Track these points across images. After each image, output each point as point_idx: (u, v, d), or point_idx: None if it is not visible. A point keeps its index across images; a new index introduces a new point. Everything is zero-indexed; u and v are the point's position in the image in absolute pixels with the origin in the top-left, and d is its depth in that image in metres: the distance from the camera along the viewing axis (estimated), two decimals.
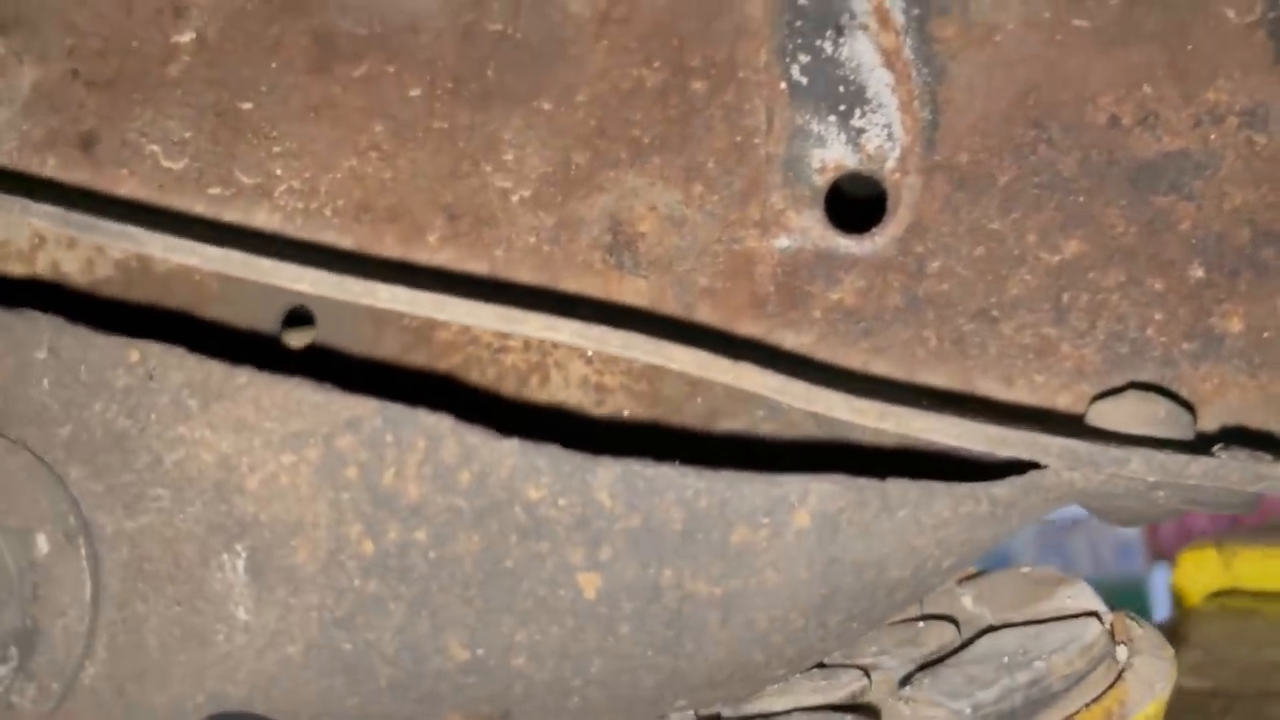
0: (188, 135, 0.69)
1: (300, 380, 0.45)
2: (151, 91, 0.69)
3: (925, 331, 0.65)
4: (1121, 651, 0.47)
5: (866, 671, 0.46)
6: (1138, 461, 0.46)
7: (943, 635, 0.50)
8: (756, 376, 0.46)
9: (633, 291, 0.67)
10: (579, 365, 0.71)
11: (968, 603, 0.53)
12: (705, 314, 0.67)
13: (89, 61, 0.70)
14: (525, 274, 0.68)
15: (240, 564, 0.45)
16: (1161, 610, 1.16)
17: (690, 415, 0.70)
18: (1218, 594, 1.11)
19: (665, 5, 0.67)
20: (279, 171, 0.69)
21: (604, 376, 0.71)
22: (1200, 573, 1.13)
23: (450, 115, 0.68)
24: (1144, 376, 0.63)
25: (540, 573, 0.43)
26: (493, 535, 0.43)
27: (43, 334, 0.46)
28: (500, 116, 0.68)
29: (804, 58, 0.66)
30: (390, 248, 0.68)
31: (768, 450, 0.67)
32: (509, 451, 0.43)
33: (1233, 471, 0.46)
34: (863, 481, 0.44)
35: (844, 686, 0.45)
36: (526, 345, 0.72)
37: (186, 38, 0.69)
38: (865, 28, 0.65)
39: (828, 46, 0.65)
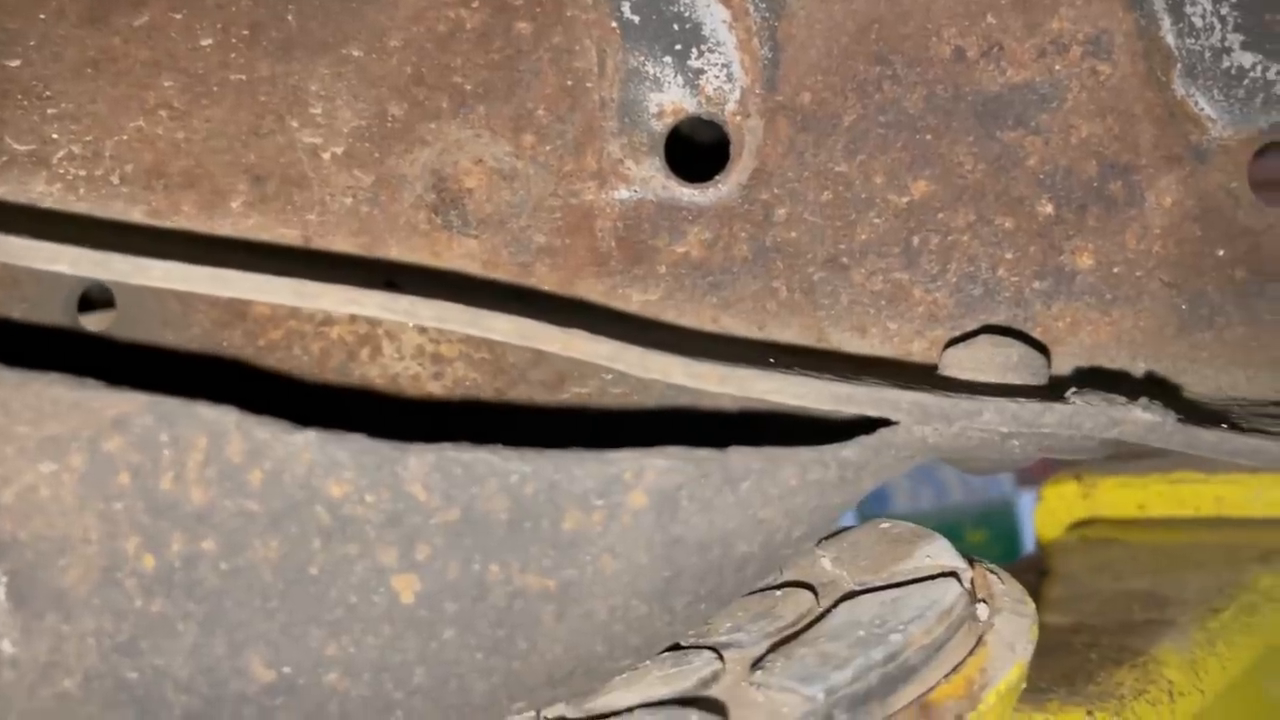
0: None
1: (54, 376, 0.39)
2: None
3: (775, 282, 0.62)
4: (982, 610, 0.45)
5: (719, 653, 0.43)
6: (990, 413, 0.44)
7: (800, 604, 0.47)
8: (586, 344, 0.42)
9: (463, 253, 0.62)
10: (413, 335, 0.66)
11: (827, 564, 0.51)
12: (543, 274, 0.62)
13: None
14: (343, 239, 0.62)
15: (0, 590, 0.39)
16: (1030, 533, 1.17)
17: (535, 382, 0.66)
18: (1079, 524, 1.12)
19: None
20: (56, 135, 0.61)
21: (441, 346, 0.67)
22: (1062, 504, 1.14)
23: (248, 67, 0.61)
24: (997, 318, 0.61)
25: (349, 578, 0.38)
26: (293, 540, 0.38)
27: None
28: (305, 66, 0.61)
29: None
30: (189, 217, 0.61)
31: (618, 418, 0.64)
32: (305, 445, 0.38)
33: (1087, 418, 0.44)
34: (702, 453, 0.40)
35: (695, 672, 0.42)
36: (354, 316, 0.67)
37: None
38: None
39: None
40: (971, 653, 0.42)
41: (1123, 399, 0.45)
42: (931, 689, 0.40)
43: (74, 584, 0.39)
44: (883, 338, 0.61)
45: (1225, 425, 0.49)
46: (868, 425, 0.44)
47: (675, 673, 0.42)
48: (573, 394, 0.64)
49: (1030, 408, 0.44)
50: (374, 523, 0.39)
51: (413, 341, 0.66)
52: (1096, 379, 0.57)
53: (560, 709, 0.42)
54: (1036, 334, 0.61)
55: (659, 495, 0.39)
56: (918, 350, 0.61)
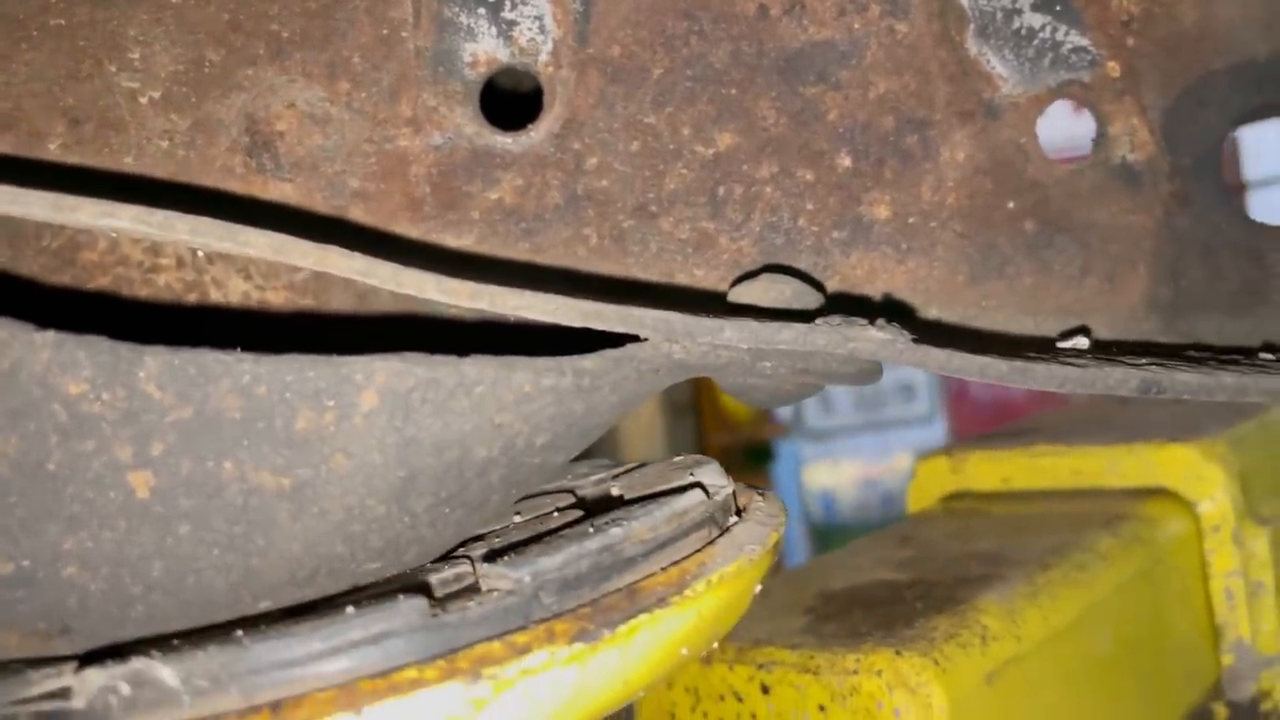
0: None
1: None
2: None
3: (586, 230, 0.64)
4: (732, 521, 0.47)
5: (469, 559, 0.45)
6: (731, 330, 0.46)
7: (568, 518, 0.48)
8: (340, 259, 0.44)
9: (278, 196, 0.64)
10: (239, 281, 0.68)
11: (615, 490, 0.53)
12: (359, 217, 0.64)
13: None
14: (159, 178, 0.63)
15: None
16: None
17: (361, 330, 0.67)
18: (949, 497, 1.15)
19: None
20: None
21: (266, 292, 0.68)
22: (932, 478, 1.17)
23: (68, 12, 0.62)
24: (799, 266, 0.64)
25: (86, 474, 0.40)
26: (30, 436, 0.39)
27: None
28: (123, 12, 0.62)
29: None
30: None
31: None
32: (44, 344, 0.39)
33: (821, 335, 0.46)
34: (436, 359, 0.42)
35: (447, 573, 0.43)
36: (180, 263, 0.68)
37: None
38: None
39: None
40: (696, 552, 0.44)
41: (862, 320, 0.47)
42: (644, 578, 0.42)
43: None
44: (689, 284, 0.63)
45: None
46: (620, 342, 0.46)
47: (437, 575, 0.44)
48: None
49: (769, 326, 0.46)
50: (110, 420, 0.40)
51: (239, 288, 0.67)
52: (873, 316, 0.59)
53: None
54: (834, 282, 0.63)
55: (391, 396, 0.41)
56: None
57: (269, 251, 0.44)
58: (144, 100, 0.63)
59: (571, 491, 0.56)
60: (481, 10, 0.63)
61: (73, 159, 0.62)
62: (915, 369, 0.62)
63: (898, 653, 0.69)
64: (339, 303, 0.67)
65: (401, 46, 0.63)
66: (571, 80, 0.63)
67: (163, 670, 0.37)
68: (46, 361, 0.40)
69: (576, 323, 0.45)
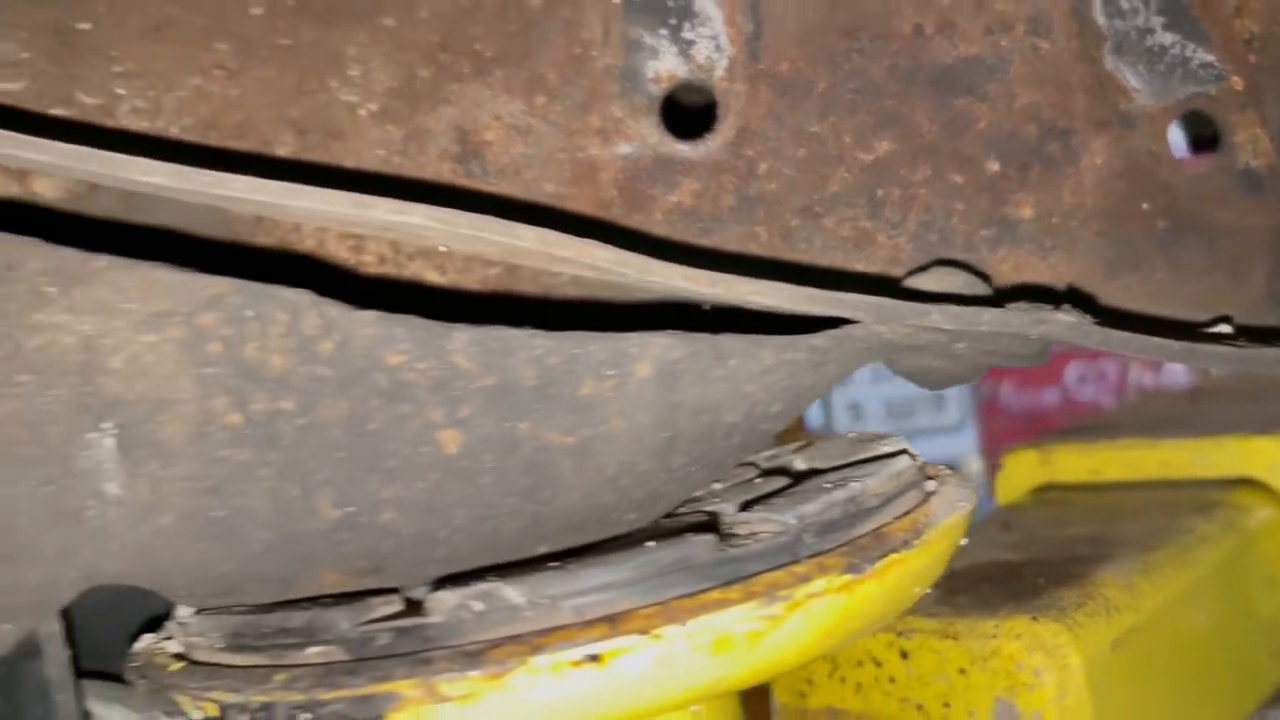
0: (25, 56, 0.68)
1: (158, 263, 0.47)
2: None
3: (757, 228, 0.70)
4: (930, 484, 0.53)
5: (712, 514, 0.51)
6: (938, 313, 0.52)
7: (776, 484, 0.55)
8: (598, 250, 0.50)
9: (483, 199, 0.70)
10: (435, 275, 0.74)
11: (798, 463, 0.59)
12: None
13: None
14: (376, 185, 0.70)
15: (109, 441, 0.46)
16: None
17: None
18: (1037, 489, 1.21)
19: None
20: (122, 91, 0.69)
21: (460, 284, 0.75)
22: (1021, 471, 1.23)
23: (294, 32, 0.69)
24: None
25: (403, 433, 0.46)
26: (356, 400, 0.46)
27: None
28: (344, 33, 0.69)
29: None
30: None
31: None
32: (368, 321, 0.46)
33: (1016, 318, 0.52)
34: (698, 335, 0.48)
35: (689, 522, 0.50)
36: (382, 259, 0.75)
37: None
38: None
39: None
40: (920, 504, 0.51)
41: (1049, 306, 0.54)
42: (884, 525, 0.48)
43: (171, 437, 0.46)
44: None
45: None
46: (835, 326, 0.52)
47: (674, 527, 0.50)
48: None
49: (971, 310, 0.52)
50: (424, 386, 0.46)
51: (435, 281, 0.74)
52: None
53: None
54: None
55: (661, 366, 0.47)
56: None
57: (539, 244, 0.50)
58: (362, 113, 0.70)
59: (754, 464, 0.62)
60: (663, 31, 0.70)
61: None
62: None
63: (1034, 618, 0.75)
64: (524, 295, 0.74)
65: (592, 64, 0.70)
66: (744, 94, 0.70)
67: (508, 590, 0.43)
68: (370, 336, 0.46)
69: (799, 307, 0.51)
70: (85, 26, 0.69)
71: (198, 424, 0.46)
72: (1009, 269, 0.70)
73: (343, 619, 0.44)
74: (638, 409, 0.48)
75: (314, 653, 0.44)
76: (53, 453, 0.47)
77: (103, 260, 0.47)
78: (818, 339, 0.50)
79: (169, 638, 0.51)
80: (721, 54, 0.70)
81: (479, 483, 0.47)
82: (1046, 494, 1.18)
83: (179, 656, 0.49)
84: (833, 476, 0.51)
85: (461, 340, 0.46)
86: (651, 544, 0.45)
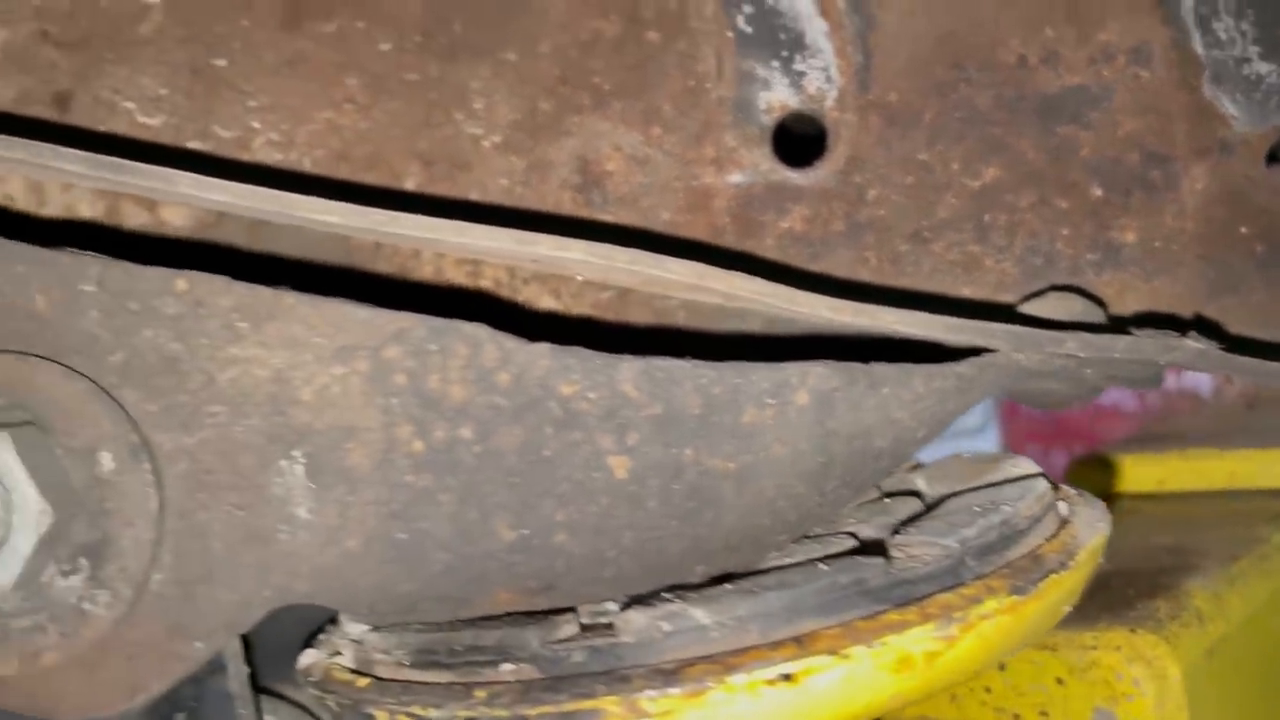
0: (163, 92, 0.71)
1: (345, 300, 0.49)
2: (124, 50, 0.71)
3: (867, 253, 0.73)
4: (1063, 506, 0.55)
5: (853, 535, 0.53)
6: (1073, 342, 0.54)
7: (909, 506, 0.57)
8: (746, 283, 0.53)
9: (602, 227, 0.73)
10: (549, 300, 0.77)
11: (921, 484, 0.61)
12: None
13: (58, 22, 0.71)
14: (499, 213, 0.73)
15: (299, 468, 0.49)
16: None
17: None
18: (1104, 499, 1.23)
19: None
20: (256, 124, 0.72)
21: (572, 308, 0.77)
22: (1085, 482, 1.25)
23: (421, 68, 0.72)
24: (1057, 284, 0.72)
25: (575, 459, 0.49)
26: (531, 428, 0.49)
27: (89, 269, 0.49)
28: (468, 68, 0.72)
29: (748, 8, 0.72)
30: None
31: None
32: (542, 353, 0.49)
33: (1149, 346, 0.55)
34: (854, 365, 0.50)
35: (838, 547, 0.52)
36: (498, 284, 0.78)
37: None
38: None
39: None
40: (1062, 526, 0.53)
41: (1175, 333, 0.56)
42: (1038, 547, 0.51)
43: (358, 464, 0.49)
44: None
45: None
46: (962, 354, 0.55)
47: (820, 547, 0.53)
48: None
49: (1104, 338, 0.54)
50: (595, 415, 0.49)
51: (546, 305, 0.77)
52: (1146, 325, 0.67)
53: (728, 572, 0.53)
54: None
55: (818, 395, 0.50)
56: None
57: (691, 277, 0.53)
58: (487, 144, 0.72)
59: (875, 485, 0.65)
60: (775, 63, 0.72)
61: (426, 195, 0.72)
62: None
63: (1132, 630, 0.77)
64: (636, 318, 0.77)
65: (706, 96, 0.72)
66: (854, 123, 0.72)
67: (695, 611, 0.45)
68: (545, 368, 0.49)
69: (940, 336, 0.54)
70: (221, 63, 0.72)
71: (383, 451, 0.49)
72: (1113, 292, 0.72)
73: (533, 638, 0.47)
74: (796, 435, 0.50)
75: (507, 670, 0.46)
76: (246, 479, 0.49)
77: (292, 297, 0.49)
78: (963, 367, 0.53)
79: (338, 653, 0.54)
80: (832, 85, 0.72)
81: (646, 506, 0.49)
82: (1116, 504, 1.20)
83: (357, 672, 0.51)
84: (976, 499, 0.53)
85: (630, 371, 0.49)
86: (824, 567, 0.47)
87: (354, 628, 0.54)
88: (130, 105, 0.71)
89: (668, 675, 0.44)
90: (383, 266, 0.77)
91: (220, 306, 0.49)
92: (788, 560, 0.51)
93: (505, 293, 0.77)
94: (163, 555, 0.49)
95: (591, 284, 0.76)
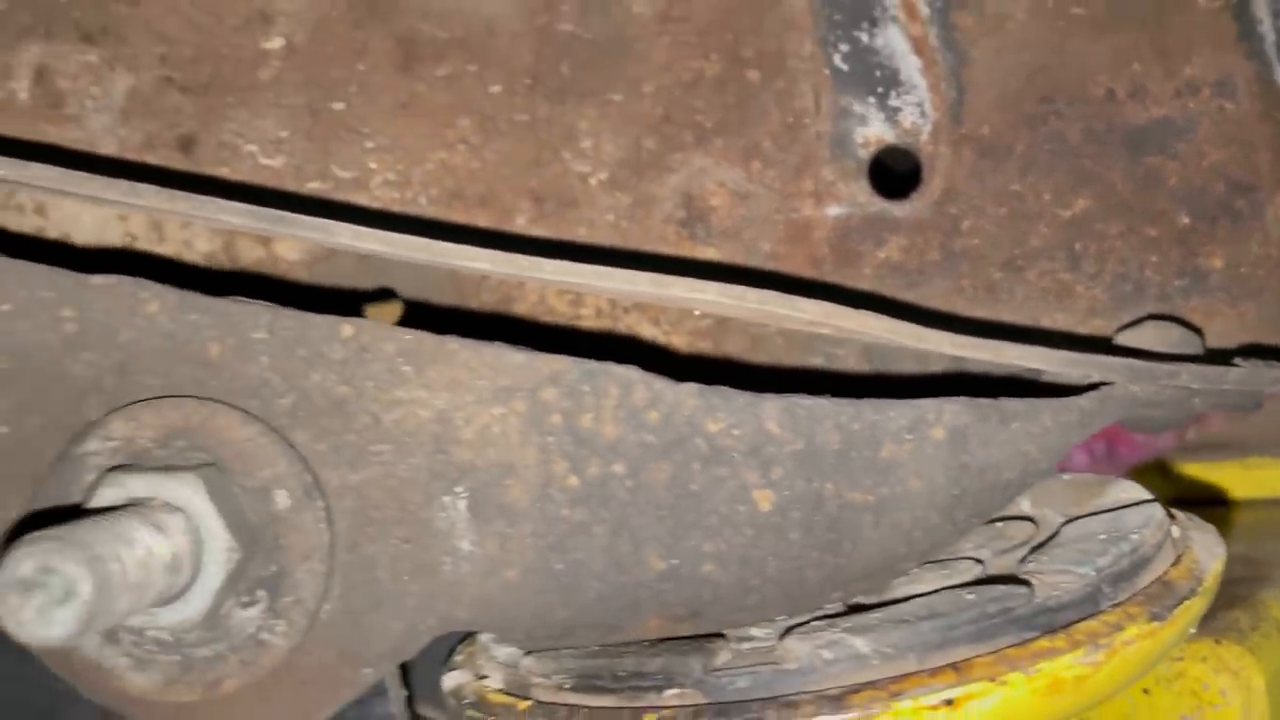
0: (284, 134, 0.74)
1: (503, 344, 0.52)
2: (245, 95, 0.74)
3: (962, 281, 0.75)
4: (1175, 530, 0.58)
5: (978, 560, 0.56)
6: (1187, 374, 0.57)
7: (1022, 530, 0.60)
8: (874, 321, 0.55)
9: (703, 258, 0.76)
10: (648, 327, 0.80)
11: (1026, 506, 0.64)
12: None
13: (182, 68, 0.74)
14: (606, 247, 0.76)
15: (462, 503, 0.52)
16: None
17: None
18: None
19: (719, 3, 0.75)
20: (374, 165, 0.75)
21: (671, 337, 0.80)
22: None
23: (530, 109, 0.75)
24: (1146, 311, 0.75)
25: (722, 492, 0.51)
26: (679, 464, 0.51)
27: (260, 317, 0.52)
28: (575, 108, 0.75)
29: (844, 47, 0.75)
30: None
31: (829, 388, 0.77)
32: (690, 393, 0.51)
33: (1259, 377, 0.57)
34: (984, 401, 0.53)
35: (965, 573, 0.55)
36: (599, 313, 0.80)
37: (276, 44, 0.74)
38: (896, 19, 0.75)
39: (864, 37, 0.75)
40: (1184, 552, 0.55)
41: (1276, 362, 0.58)
42: (1165, 573, 0.53)
43: (517, 499, 0.52)
44: (1052, 326, 0.75)
45: None
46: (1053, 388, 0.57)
47: (949, 573, 0.55)
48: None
49: (1216, 370, 0.57)
50: (740, 451, 0.52)
51: (648, 333, 0.80)
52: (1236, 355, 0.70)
53: (860, 599, 0.55)
54: None
55: (953, 431, 0.52)
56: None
57: (820, 316, 0.55)
58: (593, 181, 0.75)
59: None
60: (871, 99, 0.75)
61: (537, 231, 0.75)
62: None
63: (1217, 641, 0.79)
64: (733, 346, 0.79)
65: (805, 132, 0.75)
66: (948, 156, 0.75)
67: (856, 640, 0.48)
68: (692, 407, 0.52)
69: (1063, 369, 0.56)
70: (339, 106, 0.75)
71: (540, 487, 0.52)
72: (1200, 317, 0.74)
73: (696, 664, 0.49)
74: (931, 469, 0.53)
75: (671, 695, 0.49)
76: (411, 514, 0.52)
77: (455, 343, 0.52)
78: (1085, 401, 0.55)
79: (484, 676, 0.57)
80: (926, 119, 0.75)
81: (789, 537, 0.52)
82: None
83: (513, 695, 0.54)
84: (1096, 526, 0.56)
85: (773, 409, 0.52)
86: (971, 595, 0.50)
87: (501, 651, 0.56)
88: (252, 148, 0.74)
89: (835, 701, 0.46)
90: (487, 298, 0.80)
91: (385, 351, 0.52)
92: (921, 587, 0.54)
93: (605, 322, 0.80)
94: (334, 587, 0.52)
95: (689, 314, 0.79)
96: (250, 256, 0.79)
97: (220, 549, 0.48)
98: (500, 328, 0.76)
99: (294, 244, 0.78)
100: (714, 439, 0.52)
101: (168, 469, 0.49)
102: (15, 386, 0.51)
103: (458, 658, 0.61)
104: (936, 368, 0.74)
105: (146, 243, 0.78)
